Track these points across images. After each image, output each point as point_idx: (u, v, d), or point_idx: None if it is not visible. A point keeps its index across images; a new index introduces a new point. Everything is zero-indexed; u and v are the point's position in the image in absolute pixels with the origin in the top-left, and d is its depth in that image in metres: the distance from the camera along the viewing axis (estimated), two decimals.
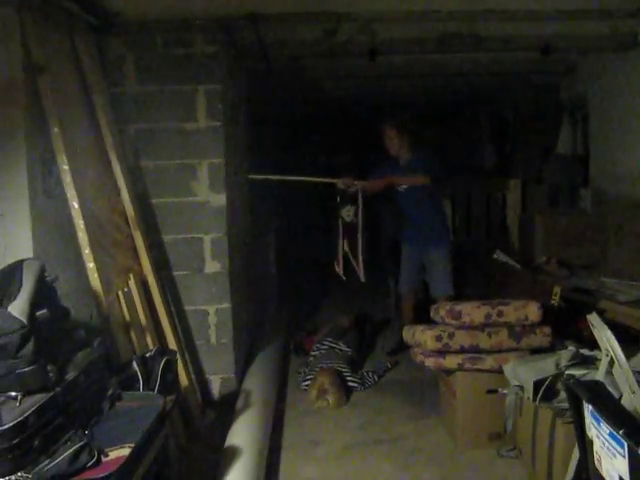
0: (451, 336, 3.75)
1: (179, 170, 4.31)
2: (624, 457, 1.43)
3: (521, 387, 3.32)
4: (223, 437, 3.72)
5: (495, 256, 5.61)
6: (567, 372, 3.12)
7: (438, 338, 3.75)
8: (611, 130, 5.93)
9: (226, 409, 4.21)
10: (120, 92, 4.24)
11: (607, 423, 1.51)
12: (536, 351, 3.68)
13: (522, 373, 3.29)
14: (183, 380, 4.01)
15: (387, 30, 4.88)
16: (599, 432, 1.57)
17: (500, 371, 3.59)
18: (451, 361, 3.78)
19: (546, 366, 3.19)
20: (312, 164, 10.18)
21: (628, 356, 2.87)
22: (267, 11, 4.28)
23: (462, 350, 3.75)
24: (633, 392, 2.60)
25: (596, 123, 6.31)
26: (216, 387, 4.47)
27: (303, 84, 7.13)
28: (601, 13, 4.58)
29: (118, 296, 3.69)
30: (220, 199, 4.33)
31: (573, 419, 1.84)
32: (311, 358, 5.21)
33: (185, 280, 4.38)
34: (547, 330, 3.70)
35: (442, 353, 3.79)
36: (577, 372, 3.11)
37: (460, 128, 10.78)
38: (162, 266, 4.30)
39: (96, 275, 3.43)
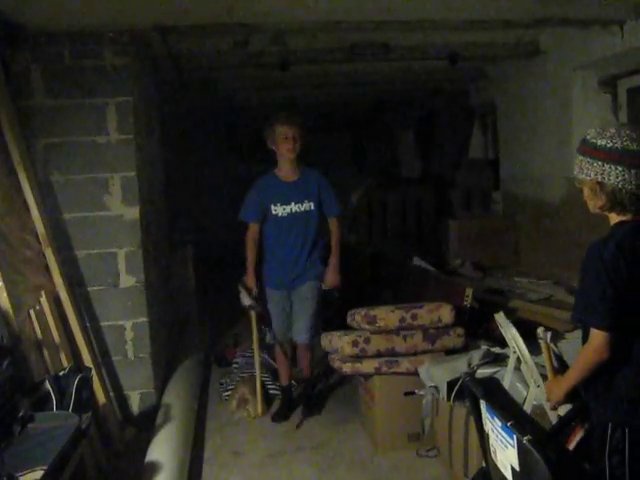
0: (367, 341, 3.81)
1: (91, 184, 4.23)
2: (514, 447, 1.50)
3: (436, 388, 3.41)
4: (144, 453, 3.68)
5: (413, 262, 5.72)
6: (479, 370, 3.23)
7: (354, 343, 3.81)
8: (518, 134, 6.15)
9: (146, 425, 4.16)
10: (27, 105, 4.13)
11: (499, 417, 1.59)
12: (451, 352, 3.78)
13: (436, 374, 3.38)
14: (100, 397, 3.94)
15: (298, 41, 4.94)
16: (493, 426, 1.65)
17: (416, 373, 3.67)
18: (368, 365, 3.85)
19: (459, 366, 3.29)
20: (230, 174, 10.14)
21: (536, 352, 3.00)
22: (177, 23, 4.26)
23: (378, 354, 3.82)
24: (538, 386, 2.72)
25: (504, 128, 6.53)
26: (135, 403, 4.40)
27: (218, 95, 7.13)
28: (505, 24, 4.74)
29: (30, 315, 3.60)
30: (133, 213, 4.27)
31: (473, 416, 1.91)
32: (234, 368, 5.20)
33: (100, 295, 4.29)
34: (460, 331, 3.80)
35: (359, 358, 3.85)
36: (488, 370, 3.22)
37: (380, 134, 10.95)
38: (76, 282, 4.20)
39: (5, 294, 3.35)
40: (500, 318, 2.94)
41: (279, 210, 4.38)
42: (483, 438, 1.82)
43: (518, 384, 2.97)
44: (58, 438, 2.69)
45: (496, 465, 1.67)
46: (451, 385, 3.24)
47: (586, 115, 5.26)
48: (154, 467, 3.48)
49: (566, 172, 5.37)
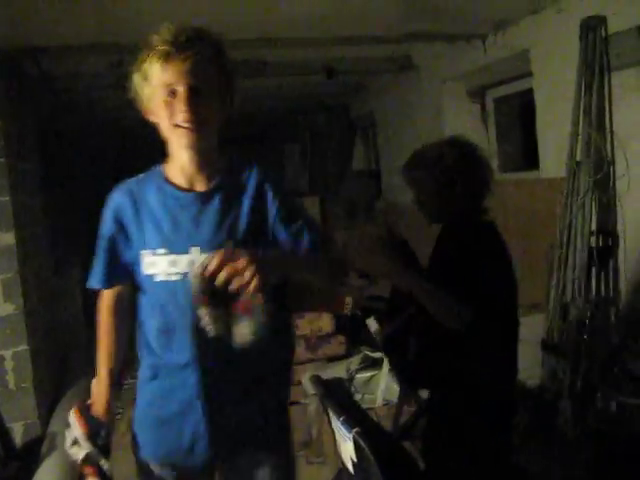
0: None
1: None
2: (351, 440, 1.60)
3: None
4: None
5: None
6: (357, 375, 3.33)
7: None
8: (397, 145, 6.37)
9: (31, 457, 4.04)
10: None
11: (335, 413, 1.68)
12: (333, 359, 3.88)
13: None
14: None
15: None
16: (336, 423, 1.74)
17: (300, 383, 3.74)
18: None
19: (338, 372, 3.39)
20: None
21: None
22: (48, 43, 4.20)
23: None
24: None
25: (383, 139, 6.75)
26: (19, 435, 4.27)
27: (103, 116, 7.04)
28: (376, 39, 4.92)
29: None
30: (8, 238, 4.15)
31: (325, 415, 2.00)
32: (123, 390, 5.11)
33: None
34: (341, 339, 3.92)
35: None
36: (367, 374, 3.34)
37: (267, 151, 11.06)
38: None
39: None
40: (371, 322, 3.05)
41: (160, 265, 1.84)
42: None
43: (394, 385, 3.09)
44: None
45: (343, 459, 1.77)
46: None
47: (458, 124, 5.52)
48: None
49: None
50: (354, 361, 3.40)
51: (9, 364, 4.20)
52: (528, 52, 4.39)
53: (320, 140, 8.13)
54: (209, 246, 1.74)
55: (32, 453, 4.07)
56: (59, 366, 5.35)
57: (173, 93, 1.74)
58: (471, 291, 2.03)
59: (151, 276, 1.83)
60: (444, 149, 2.35)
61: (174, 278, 1.79)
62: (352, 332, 4.03)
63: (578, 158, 3.64)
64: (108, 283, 1.96)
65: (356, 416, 1.61)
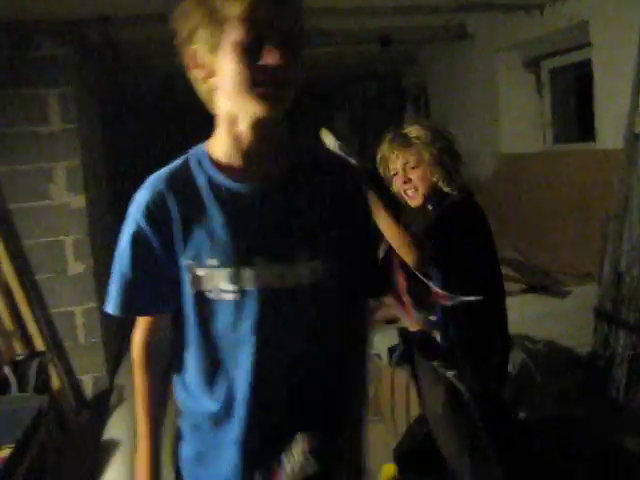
0: None
1: (35, 174, 4.29)
2: (443, 385, 1.71)
3: (378, 355, 3.63)
4: (99, 435, 3.80)
5: None
6: None
7: None
8: (449, 114, 6.39)
9: (101, 407, 4.27)
10: None
11: (426, 358, 1.80)
12: (391, 322, 4.00)
13: (378, 341, 3.60)
14: (55, 383, 4.05)
15: None
16: (424, 370, 1.85)
17: None
18: None
19: (395, 335, 3.51)
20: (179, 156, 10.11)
21: None
22: (118, 13, 4.33)
23: None
24: None
25: (436, 108, 6.78)
26: (89, 387, 4.51)
27: (157, 83, 7.17)
28: (433, 9, 4.96)
29: None
30: (79, 201, 4.35)
31: (408, 365, 2.11)
32: None
33: (49, 283, 4.37)
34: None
35: None
36: None
37: (316, 119, 11.14)
38: (24, 271, 4.27)
39: None
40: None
41: (211, 281, 1.34)
42: (419, 386, 2.04)
43: None
44: (21, 419, 2.82)
45: (431, 405, 1.90)
46: (392, 351, 3.45)
47: (511, 94, 5.54)
48: (110, 446, 3.61)
49: (496, 149, 5.67)
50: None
51: (79, 320, 4.41)
52: (587, 23, 4.39)
53: (371, 109, 8.18)
54: (278, 256, 1.32)
55: (102, 404, 4.32)
56: (125, 322, 5.57)
57: (258, 43, 1.22)
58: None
59: (198, 294, 1.35)
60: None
61: (229, 297, 1.33)
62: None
63: (637, 130, 3.69)
64: (138, 310, 1.47)
65: (450, 363, 1.72)
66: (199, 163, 1.37)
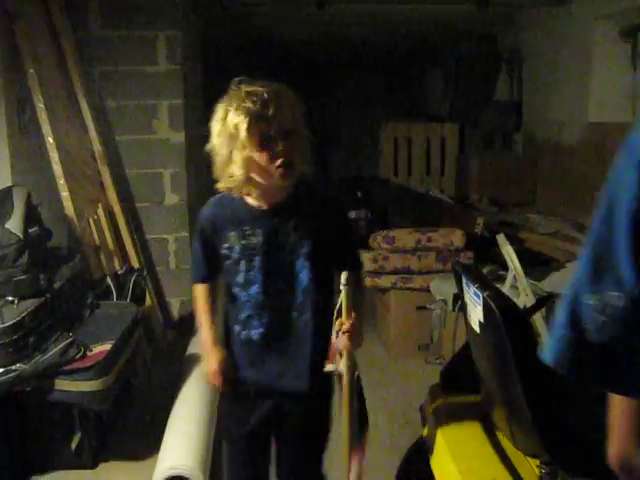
0: (386, 259, 4.26)
1: (141, 110, 4.64)
2: (480, 305, 1.93)
3: (444, 301, 3.86)
4: (184, 352, 4.16)
5: (430, 192, 6.10)
6: None
7: (374, 260, 4.26)
8: (542, 79, 6.41)
9: (185, 329, 4.63)
10: (85, 36, 4.53)
11: (471, 283, 2.01)
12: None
13: (445, 288, 3.82)
14: (147, 301, 4.43)
15: None
16: (469, 294, 2.06)
17: (428, 290, 4.12)
18: (386, 281, 4.31)
19: None
20: None
21: (540, 277, 3.43)
22: None
23: (395, 271, 4.28)
24: (527, 294, 3.16)
25: (529, 72, 6.80)
26: (176, 309, 4.90)
27: (255, 30, 7.44)
28: None
29: (89, 222, 4.07)
30: (179, 137, 4.69)
31: (459, 295, 2.32)
32: None
33: (146, 211, 4.75)
34: (470, 254, 4.23)
35: (378, 274, 4.31)
36: None
37: (410, 75, 11.22)
38: (126, 198, 4.65)
39: (70, 203, 3.82)
40: (500, 238, 3.35)
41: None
42: (463, 311, 2.26)
43: (515, 298, 3.40)
44: (121, 321, 3.20)
45: (472, 326, 2.11)
46: (457, 297, 3.66)
47: (606, 62, 5.52)
48: (193, 360, 3.96)
49: (584, 118, 5.68)
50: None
51: (172, 247, 4.79)
52: None
53: (464, 68, 8.20)
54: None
55: (186, 324, 4.69)
56: None
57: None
58: None
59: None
60: None
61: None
62: (481, 249, 4.32)
63: None
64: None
65: (487, 286, 1.93)
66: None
